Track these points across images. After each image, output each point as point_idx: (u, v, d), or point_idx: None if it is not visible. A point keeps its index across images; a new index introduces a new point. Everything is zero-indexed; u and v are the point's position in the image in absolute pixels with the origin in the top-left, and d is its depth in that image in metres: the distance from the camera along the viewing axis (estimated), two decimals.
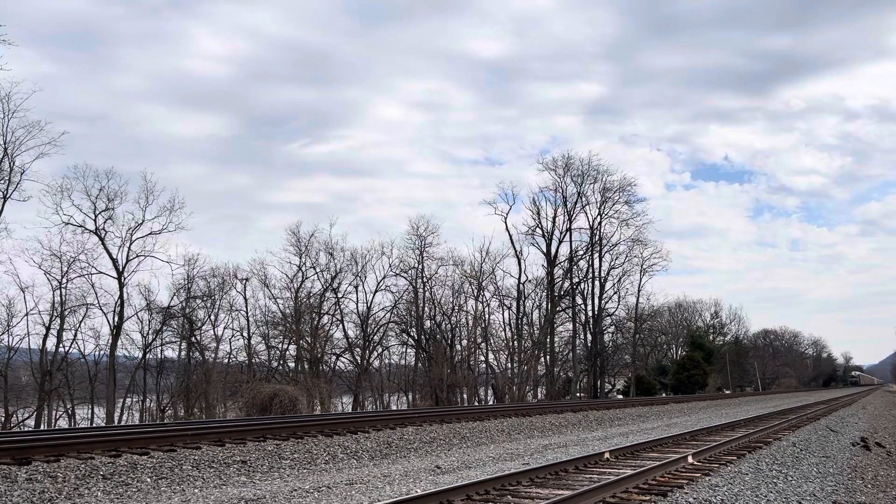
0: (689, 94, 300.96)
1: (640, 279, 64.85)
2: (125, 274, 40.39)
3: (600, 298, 60.74)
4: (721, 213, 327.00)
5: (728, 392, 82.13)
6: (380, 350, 53.44)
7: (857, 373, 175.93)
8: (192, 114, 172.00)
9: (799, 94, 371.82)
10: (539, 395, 57.39)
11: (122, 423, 37.08)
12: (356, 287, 50.77)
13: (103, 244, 39.82)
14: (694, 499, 9.72)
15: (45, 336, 39.63)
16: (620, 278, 63.10)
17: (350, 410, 45.07)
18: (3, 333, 39.05)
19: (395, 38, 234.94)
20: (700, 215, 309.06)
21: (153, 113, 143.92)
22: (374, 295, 51.14)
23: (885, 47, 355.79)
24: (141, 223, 40.71)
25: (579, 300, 60.62)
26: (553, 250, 57.85)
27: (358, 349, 51.05)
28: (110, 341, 40.68)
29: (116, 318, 40.21)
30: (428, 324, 52.95)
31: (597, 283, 60.57)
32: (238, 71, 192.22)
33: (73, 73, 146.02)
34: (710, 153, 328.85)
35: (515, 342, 57.40)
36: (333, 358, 51.19)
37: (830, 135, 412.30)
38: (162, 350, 45.52)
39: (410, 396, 52.57)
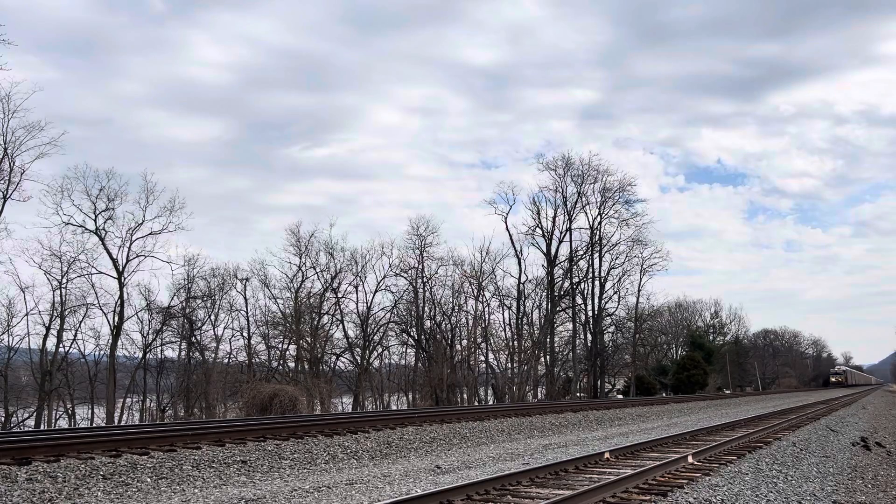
0: (681, 100, 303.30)
1: (640, 279, 64.91)
2: (125, 274, 40.45)
3: (600, 298, 60.78)
4: (716, 214, 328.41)
5: (728, 392, 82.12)
6: (380, 350, 53.50)
7: (844, 368, 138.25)
8: (193, 118, 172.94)
9: (788, 99, 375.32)
10: (539, 395, 57.38)
11: (122, 423, 37.08)
12: (356, 287, 50.82)
13: (103, 244, 39.87)
14: (694, 499, 9.72)
15: (45, 336, 39.74)
16: (620, 278, 63.15)
17: (350, 410, 45.06)
18: (3, 333, 39.15)
19: (391, 47, 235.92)
20: (695, 217, 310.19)
21: (155, 118, 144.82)
22: (374, 295, 51.22)
23: (871, 55, 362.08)
24: (141, 223, 40.77)
25: (579, 300, 60.65)
26: (553, 250, 57.88)
27: (358, 349, 51.05)
28: (110, 341, 40.73)
29: (116, 318, 40.24)
30: (428, 324, 52.97)
31: (597, 283, 60.61)
32: (238, 77, 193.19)
33: (77, 79, 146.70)
34: (702, 156, 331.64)
35: (515, 342, 57.40)
36: (333, 358, 51.21)
37: (821, 139, 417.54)
38: (162, 350, 45.61)
39: (410, 396, 52.56)
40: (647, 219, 62.48)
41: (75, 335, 41.38)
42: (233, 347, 48.27)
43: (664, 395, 69.51)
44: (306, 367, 47.43)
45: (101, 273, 40.47)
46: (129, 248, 40.66)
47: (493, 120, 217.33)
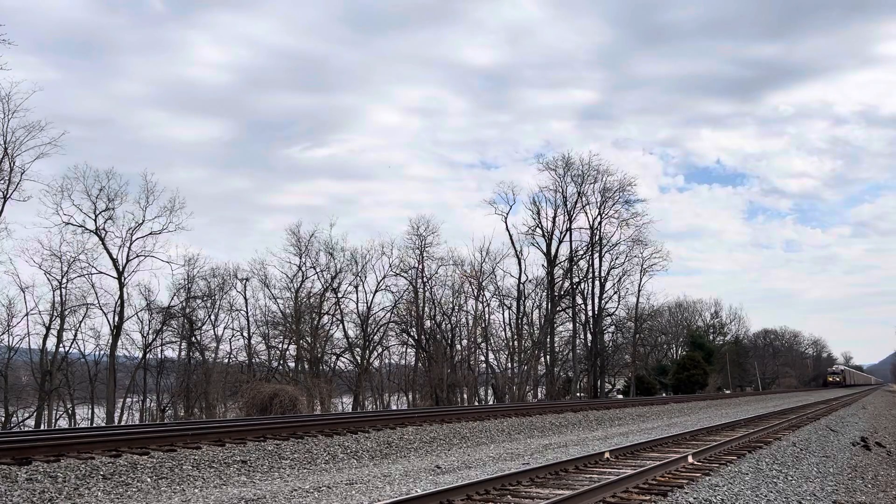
0: (680, 100, 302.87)
1: (640, 279, 64.86)
2: (125, 274, 40.44)
3: (600, 298, 60.75)
4: (715, 214, 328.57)
5: (728, 392, 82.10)
6: (380, 350, 53.48)
7: (843, 367, 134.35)
8: (193, 119, 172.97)
9: (787, 100, 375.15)
10: (539, 395, 57.39)
11: (122, 423, 37.08)
12: (356, 287, 50.80)
13: (103, 244, 39.86)
14: (694, 499, 9.72)
15: (46, 336, 39.73)
16: (620, 278, 63.08)
17: (350, 410, 45.06)
18: (3, 333, 39.14)
19: (391, 47, 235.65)
20: (695, 217, 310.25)
21: (155, 118, 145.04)
22: (374, 295, 51.20)
23: (870, 56, 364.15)
24: (141, 223, 40.75)
25: (579, 300, 60.60)
26: (553, 250, 57.85)
27: (358, 349, 51.05)
28: (110, 341, 40.72)
29: (116, 318, 40.23)
30: (428, 324, 52.95)
31: (597, 282, 60.58)
32: (238, 78, 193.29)
33: (77, 79, 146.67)
34: (702, 157, 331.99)
35: (515, 342, 57.39)
36: (333, 358, 51.19)
37: (820, 139, 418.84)
38: (162, 350, 45.59)
39: (410, 396, 52.55)
40: (647, 219, 62.33)
41: (75, 335, 41.43)
42: (233, 347, 48.35)
43: (664, 395, 69.50)
44: (306, 367, 47.43)
45: (101, 273, 40.53)
46: (130, 248, 40.70)
47: (492, 120, 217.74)
